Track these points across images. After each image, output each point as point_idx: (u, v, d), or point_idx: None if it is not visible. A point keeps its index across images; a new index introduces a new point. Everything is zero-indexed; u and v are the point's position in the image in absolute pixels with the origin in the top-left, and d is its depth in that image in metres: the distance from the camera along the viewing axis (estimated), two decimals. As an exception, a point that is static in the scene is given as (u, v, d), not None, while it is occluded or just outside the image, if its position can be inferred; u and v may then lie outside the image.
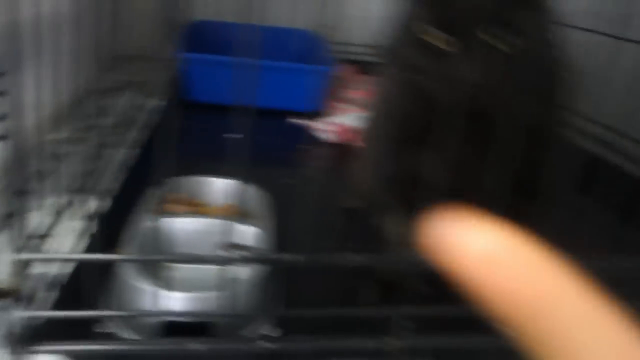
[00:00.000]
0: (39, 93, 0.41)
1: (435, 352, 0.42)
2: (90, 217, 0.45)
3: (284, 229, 0.55)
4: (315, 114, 0.94)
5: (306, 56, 1.08)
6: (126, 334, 0.40)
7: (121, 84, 0.72)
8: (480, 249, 0.13)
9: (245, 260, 0.31)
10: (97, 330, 0.40)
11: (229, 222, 0.50)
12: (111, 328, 0.41)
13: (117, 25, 0.71)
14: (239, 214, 0.56)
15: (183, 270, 0.47)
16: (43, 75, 0.43)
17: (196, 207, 0.56)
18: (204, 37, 1.06)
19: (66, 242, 0.41)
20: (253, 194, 0.57)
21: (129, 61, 0.77)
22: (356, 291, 0.45)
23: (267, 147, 0.86)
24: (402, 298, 0.43)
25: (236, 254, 0.31)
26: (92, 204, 0.50)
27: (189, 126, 0.96)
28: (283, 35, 1.13)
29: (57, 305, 0.37)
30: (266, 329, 0.42)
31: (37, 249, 0.36)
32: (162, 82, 0.99)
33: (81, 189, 0.50)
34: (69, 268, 0.40)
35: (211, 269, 0.46)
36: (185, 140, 0.93)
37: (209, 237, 0.48)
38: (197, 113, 0.99)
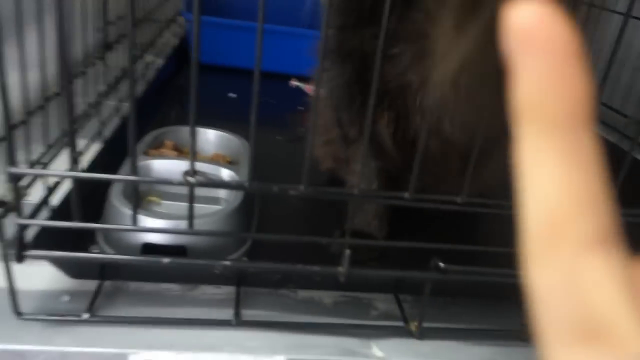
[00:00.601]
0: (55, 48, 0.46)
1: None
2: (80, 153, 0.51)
3: (262, 175, 0.59)
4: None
5: (314, 21, 1.11)
6: (110, 253, 0.45)
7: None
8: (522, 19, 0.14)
9: (202, 184, 0.36)
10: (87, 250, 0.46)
11: (211, 166, 0.55)
12: (99, 249, 0.47)
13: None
14: (225, 161, 0.60)
15: (167, 205, 0.53)
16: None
17: (185, 154, 0.61)
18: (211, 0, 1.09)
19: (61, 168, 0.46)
20: (240, 145, 0.62)
21: (138, 22, 0.82)
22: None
23: (266, 107, 0.90)
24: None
25: (197, 178, 0.36)
26: (86, 144, 0.55)
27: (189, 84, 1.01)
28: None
29: (51, 219, 0.42)
30: (235, 256, 0.47)
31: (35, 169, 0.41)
32: (169, 42, 1.03)
33: (79, 132, 0.55)
34: (63, 190, 0.45)
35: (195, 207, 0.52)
36: (188, 97, 0.98)
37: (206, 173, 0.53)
38: (202, 73, 1.03)
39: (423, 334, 0.44)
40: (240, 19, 1.02)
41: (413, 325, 0.44)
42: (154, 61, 0.92)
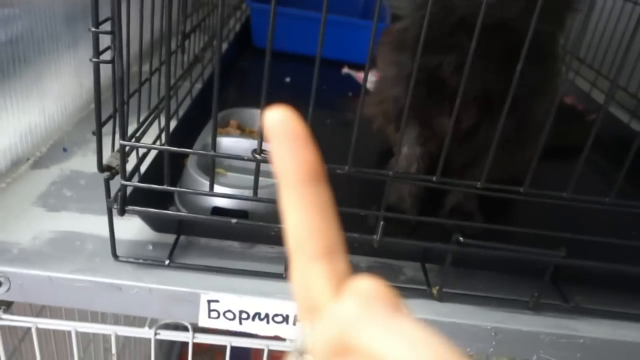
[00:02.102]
0: (137, 31, 0.55)
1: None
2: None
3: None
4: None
5: (369, 11, 1.18)
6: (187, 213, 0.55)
7: (198, 27, 0.85)
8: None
9: (266, 161, 0.45)
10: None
11: (268, 144, 0.64)
12: (175, 210, 0.56)
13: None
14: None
15: (231, 177, 0.62)
16: (140, 18, 0.57)
17: (248, 133, 0.70)
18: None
19: (150, 140, 0.56)
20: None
21: (205, 7, 0.91)
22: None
23: (318, 92, 0.98)
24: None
25: (263, 156, 0.44)
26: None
27: (252, 68, 1.10)
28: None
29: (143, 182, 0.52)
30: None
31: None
32: (234, 28, 1.12)
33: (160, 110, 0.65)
34: (150, 160, 0.55)
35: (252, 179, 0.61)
36: (248, 79, 1.08)
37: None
38: (259, 58, 1.13)
39: (443, 298, 0.52)
40: (298, 7, 1.10)
41: (435, 290, 0.52)
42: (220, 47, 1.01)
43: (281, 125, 0.22)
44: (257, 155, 0.45)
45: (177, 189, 0.48)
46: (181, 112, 0.72)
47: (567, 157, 0.73)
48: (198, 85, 0.81)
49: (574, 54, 1.08)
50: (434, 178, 0.46)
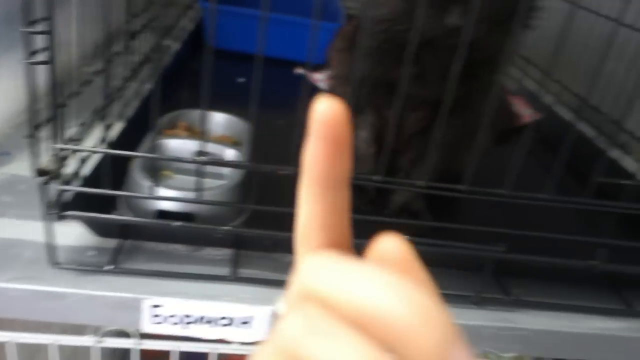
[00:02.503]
0: (80, 32, 0.54)
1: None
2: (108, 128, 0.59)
3: (264, 155, 0.68)
4: (320, 66, 1.05)
5: (327, 11, 1.18)
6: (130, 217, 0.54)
7: (149, 26, 0.84)
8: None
9: (209, 163, 0.44)
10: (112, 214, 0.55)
11: (217, 146, 0.63)
12: (120, 214, 0.55)
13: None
14: (230, 142, 0.69)
15: (179, 179, 0.61)
16: (83, 19, 0.55)
17: (196, 134, 0.69)
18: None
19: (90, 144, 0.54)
20: (244, 127, 0.70)
21: (157, 7, 0.89)
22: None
23: (271, 92, 0.98)
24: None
25: (205, 158, 0.44)
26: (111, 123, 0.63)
27: (204, 69, 1.09)
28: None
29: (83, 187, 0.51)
30: (235, 223, 0.56)
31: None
32: (186, 27, 1.11)
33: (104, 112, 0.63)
34: (92, 163, 0.54)
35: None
36: (200, 80, 1.06)
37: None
38: (215, 58, 1.11)
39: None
40: (252, 7, 1.09)
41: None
42: (171, 45, 1.00)
43: (327, 124, 0.21)
44: (199, 157, 0.45)
45: (117, 192, 0.47)
46: (130, 113, 0.70)
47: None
48: (149, 86, 0.80)
49: (520, 55, 1.10)
50: (376, 177, 0.47)
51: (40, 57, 0.41)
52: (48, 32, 0.39)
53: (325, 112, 0.21)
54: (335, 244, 0.23)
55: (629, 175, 0.76)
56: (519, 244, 0.51)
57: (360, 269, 0.19)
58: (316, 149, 0.22)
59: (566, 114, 0.97)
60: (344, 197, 0.23)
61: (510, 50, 0.59)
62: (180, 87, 0.95)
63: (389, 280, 0.18)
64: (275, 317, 0.22)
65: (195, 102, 0.80)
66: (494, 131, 0.71)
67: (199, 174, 0.46)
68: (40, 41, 0.42)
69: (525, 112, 1.02)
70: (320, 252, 0.23)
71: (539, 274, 0.56)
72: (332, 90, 0.69)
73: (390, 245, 0.22)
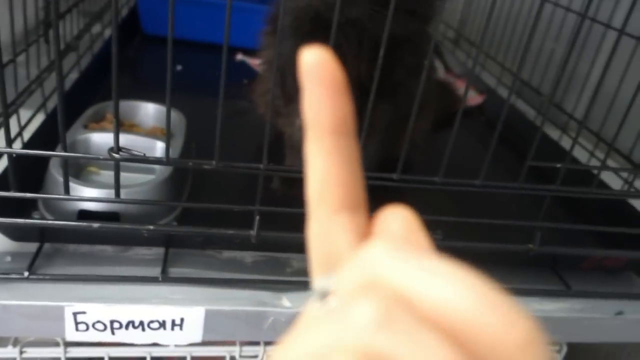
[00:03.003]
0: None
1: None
2: (22, 128, 0.55)
3: (202, 146, 0.65)
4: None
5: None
6: (50, 219, 0.50)
7: (77, 11, 0.79)
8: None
9: (125, 160, 0.41)
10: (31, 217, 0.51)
11: (147, 139, 0.60)
12: (39, 214, 0.52)
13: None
14: (162, 134, 0.65)
15: (105, 174, 0.58)
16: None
17: (126, 127, 0.65)
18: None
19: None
20: (177, 119, 0.66)
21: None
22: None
23: (211, 79, 0.94)
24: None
25: (121, 154, 0.41)
26: (29, 116, 0.59)
27: (140, 56, 1.04)
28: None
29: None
30: (165, 222, 0.53)
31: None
32: (118, 13, 1.06)
33: (23, 105, 0.59)
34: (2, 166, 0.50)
35: (129, 176, 0.57)
36: (135, 69, 1.02)
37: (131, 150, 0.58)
38: (149, 45, 1.07)
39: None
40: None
41: (320, 281, 0.51)
42: (102, 32, 0.94)
43: (318, 69, 0.21)
44: (114, 155, 0.42)
45: (26, 194, 0.44)
46: (52, 105, 0.66)
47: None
48: (73, 76, 0.75)
49: (480, 49, 1.10)
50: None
51: None
52: None
53: (315, 58, 0.21)
54: (353, 204, 0.22)
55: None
56: (457, 229, 0.50)
57: (441, 266, 0.17)
58: (316, 95, 0.21)
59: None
60: (354, 146, 0.22)
61: (430, 31, 0.58)
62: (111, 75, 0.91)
63: (474, 284, 0.17)
64: (318, 301, 0.20)
65: (129, 92, 0.77)
66: (435, 115, 0.70)
67: (117, 172, 0.43)
68: None
69: (470, 95, 1.02)
70: (340, 214, 0.22)
71: (477, 258, 0.56)
72: (263, 81, 0.67)
73: (397, 218, 0.22)
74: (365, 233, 0.22)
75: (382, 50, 0.40)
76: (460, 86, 1.05)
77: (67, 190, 0.43)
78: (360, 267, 0.19)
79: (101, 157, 0.42)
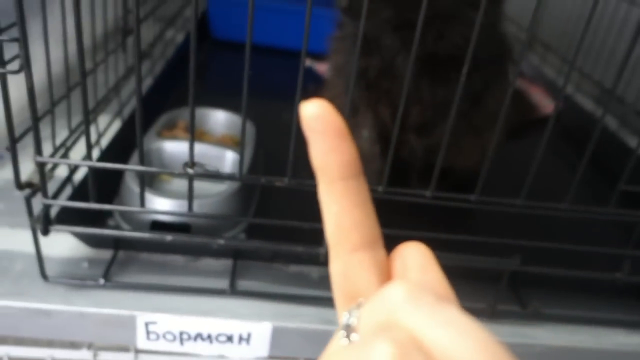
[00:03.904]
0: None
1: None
2: (100, 135, 0.56)
3: (269, 157, 0.65)
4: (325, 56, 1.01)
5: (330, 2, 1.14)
6: (125, 228, 0.52)
7: (152, 18, 0.81)
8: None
9: (199, 175, 0.41)
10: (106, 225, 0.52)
11: (217, 148, 0.60)
12: (115, 222, 0.53)
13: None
14: (232, 142, 0.66)
15: (178, 184, 0.58)
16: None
17: (197, 135, 0.66)
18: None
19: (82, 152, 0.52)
20: (247, 127, 0.66)
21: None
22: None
23: (278, 84, 0.94)
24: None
25: (195, 170, 0.41)
26: (106, 124, 0.61)
27: (210, 62, 1.06)
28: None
29: (72, 200, 0.48)
30: (234, 234, 0.53)
31: (60, 155, 0.47)
32: (190, 18, 1.08)
33: (101, 113, 0.61)
34: (82, 173, 0.51)
35: (200, 185, 0.57)
36: (205, 74, 1.03)
37: (202, 160, 0.58)
38: (219, 50, 1.08)
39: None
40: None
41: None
42: (175, 37, 0.97)
43: (320, 121, 0.22)
44: (189, 170, 0.42)
45: (104, 206, 0.45)
46: (128, 113, 0.68)
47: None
48: (147, 82, 0.77)
49: (536, 40, 1.05)
50: (380, 188, 0.43)
51: (15, 65, 0.38)
52: (17, 40, 0.36)
53: (315, 110, 0.22)
54: (369, 242, 0.24)
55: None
56: (538, 252, 0.47)
57: (453, 316, 0.19)
58: (320, 145, 0.23)
59: (587, 104, 0.92)
60: (364, 187, 0.24)
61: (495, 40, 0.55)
62: (183, 82, 0.92)
63: (480, 337, 0.19)
64: (342, 335, 0.21)
65: (199, 98, 0.78)
66: (507, 124, 0.67)
67: (191, 187, 0.43)
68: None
69: (545, 103, 0.97)
70: (359, 252, 0.24)
71: (559, 284, 0.53)
72: (332, 87, 0.66)
73: (413, 252, 0.24)
74: (383, 267, 0.24)
75: (466, 68, 0.38)
76: (534, 92, 1.00)
77: (142, 203, 0.44)
78: (381, 308, 0.21)
79: (176, 172, 0.43)
